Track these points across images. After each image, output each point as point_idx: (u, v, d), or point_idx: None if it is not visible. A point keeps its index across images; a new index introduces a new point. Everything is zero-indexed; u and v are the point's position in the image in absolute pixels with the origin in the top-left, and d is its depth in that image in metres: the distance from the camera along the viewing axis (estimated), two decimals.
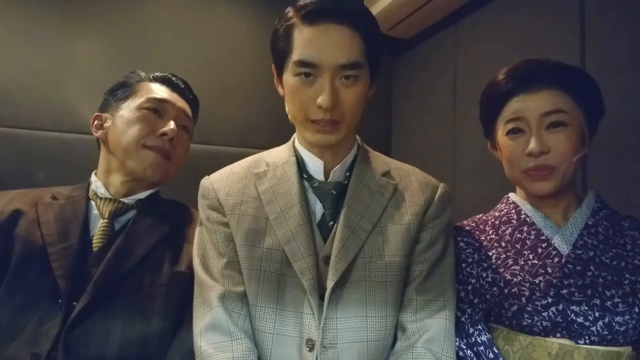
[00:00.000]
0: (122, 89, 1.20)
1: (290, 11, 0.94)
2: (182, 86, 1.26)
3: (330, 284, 0.90)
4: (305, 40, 0.90)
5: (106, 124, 1.18)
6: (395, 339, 0.95)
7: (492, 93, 1.05)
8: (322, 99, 0.89)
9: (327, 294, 0.89)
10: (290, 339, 0.90)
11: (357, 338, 0.90)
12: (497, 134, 1.05)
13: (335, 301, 0.91)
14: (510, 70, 1.02)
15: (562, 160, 0.95)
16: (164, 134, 1.15)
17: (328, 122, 0.91)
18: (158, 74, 1.24)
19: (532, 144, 0.95)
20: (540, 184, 0.97)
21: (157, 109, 1.17)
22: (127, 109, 1.16)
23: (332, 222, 0.96)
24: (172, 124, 1.16)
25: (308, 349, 0.89)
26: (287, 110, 0.98)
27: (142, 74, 1.23)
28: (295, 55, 0.91)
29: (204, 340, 0.90)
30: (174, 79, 1.25)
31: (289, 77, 0.93)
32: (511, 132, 1.00)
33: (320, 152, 1.00)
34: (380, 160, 1.06)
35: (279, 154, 1.05)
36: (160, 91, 1.20)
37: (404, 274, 0.96)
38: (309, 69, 0.90)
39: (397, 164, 1.08)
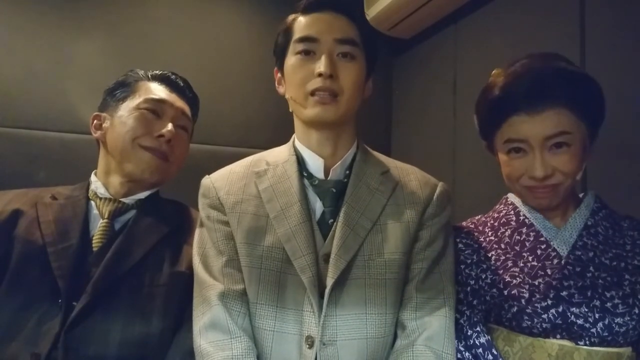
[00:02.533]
0: (121, 89, 1.19)
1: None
2: (182, 84, 1.25)
3: (330, 282, 0.90)
4: (304, 24, 0.99)
5: (105, 124, 1.17)
6: (395, 337, 0.95)
7: (490, 106, 0.99)
8: (321, 66, 0.94)
9: (327, 291, 0.90)
10: (290, 337, 0.91)
11: (357, 335, 0.90)
12: (495, 143, 1.03)
13: (335, 299, 0.91)
14: (508, 82, 0.95)
15: (567, 178, 0.94)
16: (161, 136, 1.14)
17: (327, 92, 0.94)
18: (157, 72, 1.23)
19: (537, 170, 0.93)
20: (543, 201, 0.97)
21: (154, 109, 1.16)
22: (125, 110, 1.16)
23: (332, 220, 0.96)
24: (169, 126, 1.15)
25: (308, 346, 0.89)
26: (288, 96, 1.01)
27: (141, 73, 1.22)
28: (296, 36, 0.99)
29: (203, 339, 0.90)
30: (173, 77, 1.24)
31: (290, 59, 0.99)
32: (513, 151, 0.97)
33: (319, 147, 1.00)
34: (379, 159, 1.07)
35: (279, 154, 1.06)
36: (158, 91, 1.19)
37: (404, 271, 0.96)
38: (308, 44, 0.96)
39: (397, 163, 1.08)
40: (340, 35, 0.96)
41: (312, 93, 0.95)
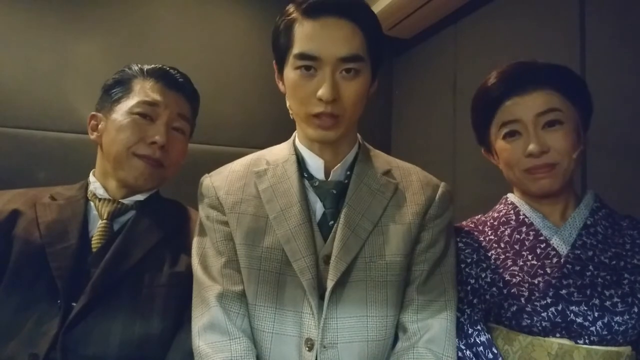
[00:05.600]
0: (117, 88, 1.15)
1: (291, 7, 0.94)
2: (181, 80, 1.19)
3: (330, 284, 0.89)
4: (305, 34, 0.90)
5: (100, 126, 1.15)
6: (396, 339, 0.95)
7: (484, 98, 1.05)
8: (322, 92, 0.88)
9: (327, 293, 0.89)
10: (290, 339, 0.90)
11: (358, 338, 0.90)
12: (491, 138, 1.05)
13: (335, 301, 0.90)
14: (500, 74, 1.03)
15: (563, 157, 0.96)
16: (153, 142, 1.10)
17: (329, 116, 0.91)
18: (153, 67, 1.17)
19: (532, 146, 0.95)
20: (544, 182, 0.97)
21: (147, 114, 1.12)
22: (119, 112, 1.12)
23: (332, 222, 0.95)
24: (162, 132, 1.11)
25: (307, 348, 0.89)
26: (288, 105, 0.98)
27: (136, 68, 1.16)
28: (296, 49, 0.91)
29: (202, 340, 0.90)
30: (171, 71, 1.18)
31: (289, 72, 0.93)
32: (508, 136, 1.00)
33: (320, 150, 0.99)
34: (381, 159, 1.05)
35: (279, 152, 1.04)
36: (153, 92, 1.13)
37: (405, 273, 0.96)
38: (309, 62, 0.90)
39: (398, 162, 1.07)
40: (344, 52, 0.89)
41: (314, 115, 0.92)
